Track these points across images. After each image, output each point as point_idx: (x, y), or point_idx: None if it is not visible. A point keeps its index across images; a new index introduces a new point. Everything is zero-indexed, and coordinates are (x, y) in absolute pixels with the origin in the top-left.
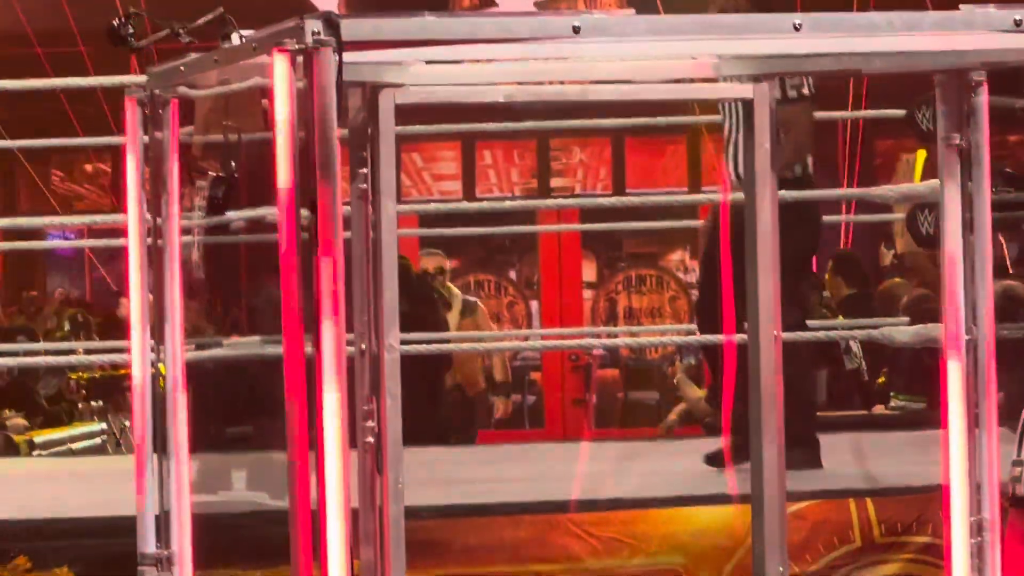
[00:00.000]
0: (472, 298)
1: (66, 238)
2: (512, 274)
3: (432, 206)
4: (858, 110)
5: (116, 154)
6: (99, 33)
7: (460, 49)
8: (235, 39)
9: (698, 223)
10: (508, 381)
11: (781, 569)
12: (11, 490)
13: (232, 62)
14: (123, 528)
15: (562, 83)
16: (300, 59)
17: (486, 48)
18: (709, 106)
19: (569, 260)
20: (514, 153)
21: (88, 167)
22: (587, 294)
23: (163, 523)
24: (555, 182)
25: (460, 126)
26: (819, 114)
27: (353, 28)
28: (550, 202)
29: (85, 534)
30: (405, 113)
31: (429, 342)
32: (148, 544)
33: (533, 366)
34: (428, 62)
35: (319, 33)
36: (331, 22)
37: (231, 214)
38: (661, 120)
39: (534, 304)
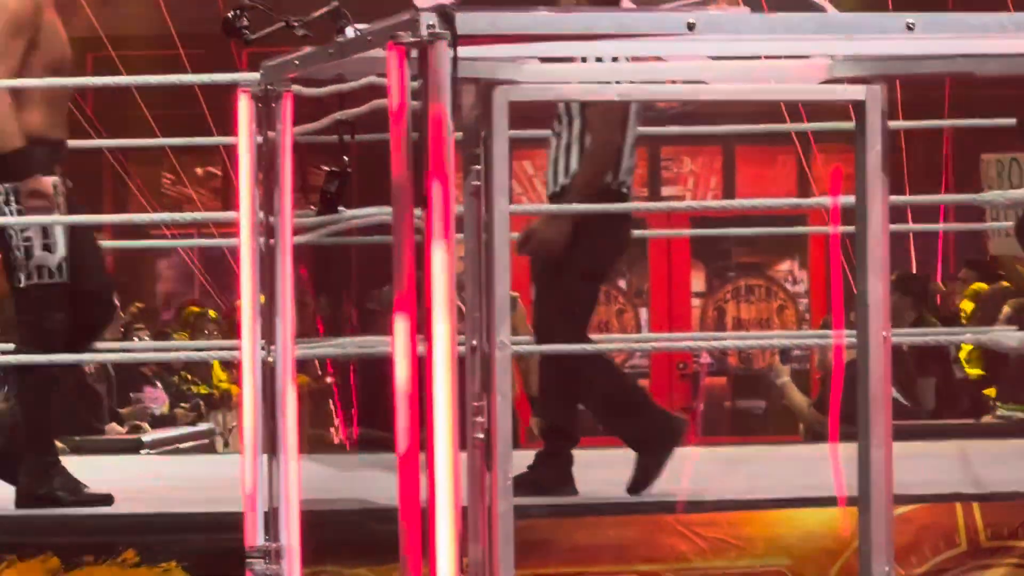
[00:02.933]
0: (513, 293)
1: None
2: (621, 283)
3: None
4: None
5: (225, 157)
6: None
7: (574, 46)
8: (349, 33)
9: (807, 231)
10: None
11: (887, 570)
12: (121, 485)
13: (346, 56)
14: (231, 524)
15: (674, 82)
16: (414, 53)
17: (600, 45)
18: (820, 114)
19: (678, 269)
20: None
21: (199, 170)
22: (696, 303)
23: (271, 519)
24: (665, 191)
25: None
26: (926, 123)
27: (468, 22)
28: (660, 204)
29: (193, 529)
30: (516, 118)
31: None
32: (257, 537)
33: (641, 374)
34: (542, 59)
35: (434, 26)
36: (446, 15)
37: (345, 212)
38: (773, 127)
39: (643, 313)
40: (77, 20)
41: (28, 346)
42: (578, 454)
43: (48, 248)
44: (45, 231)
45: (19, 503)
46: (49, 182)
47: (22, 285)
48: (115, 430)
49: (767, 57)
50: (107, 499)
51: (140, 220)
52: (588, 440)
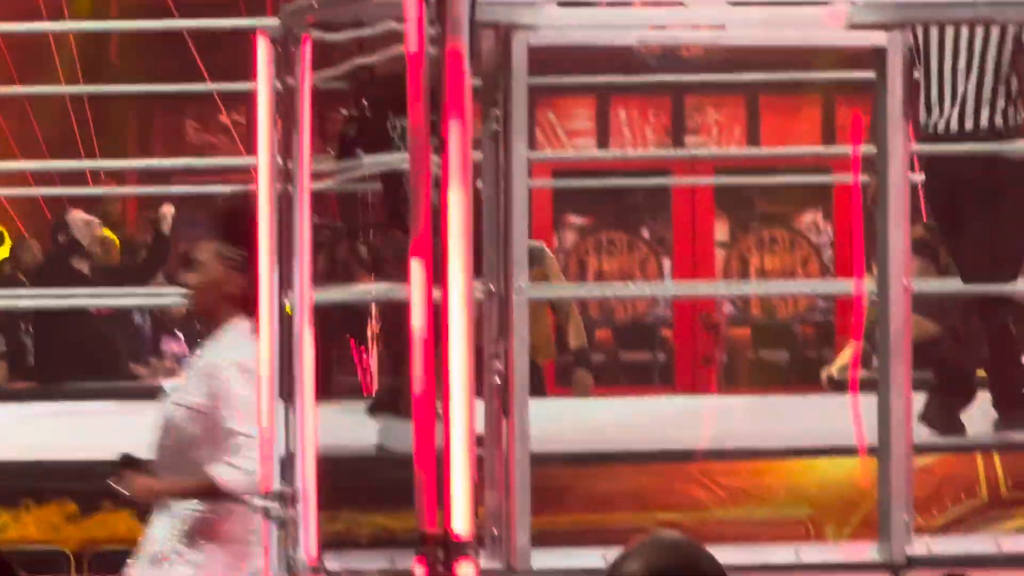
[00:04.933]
0: (538, 243)
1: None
2: (644, 232)
3: (564, 152)
4: None
5: (250, 104)
6: None
7: None
8: None
9: (831, 180)
10: (585, 347)
11: (907, 520)
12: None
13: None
14: None
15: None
16: None
17: None
18: (842, 63)
19: (702, 219)
20: (648, 111)
21: (223, 117)
22: (719, 254)
23: (288, 465)
24: (689, 140)
25: (594, 79)
26: None
27: None
28: (682, 152)
29: None
30: (540, 65)
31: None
32: (273, 482)
33: (664, 323)
34: (561, 3)
35: None
36: None
37: (364, 158)
38: (796, 76)
39: (666, 262)
40: None
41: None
42: (597, 403)
43: None
44: None
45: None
46: None
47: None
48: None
49: (788, 3)
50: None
51: (162, 166)
52: (605, 389)
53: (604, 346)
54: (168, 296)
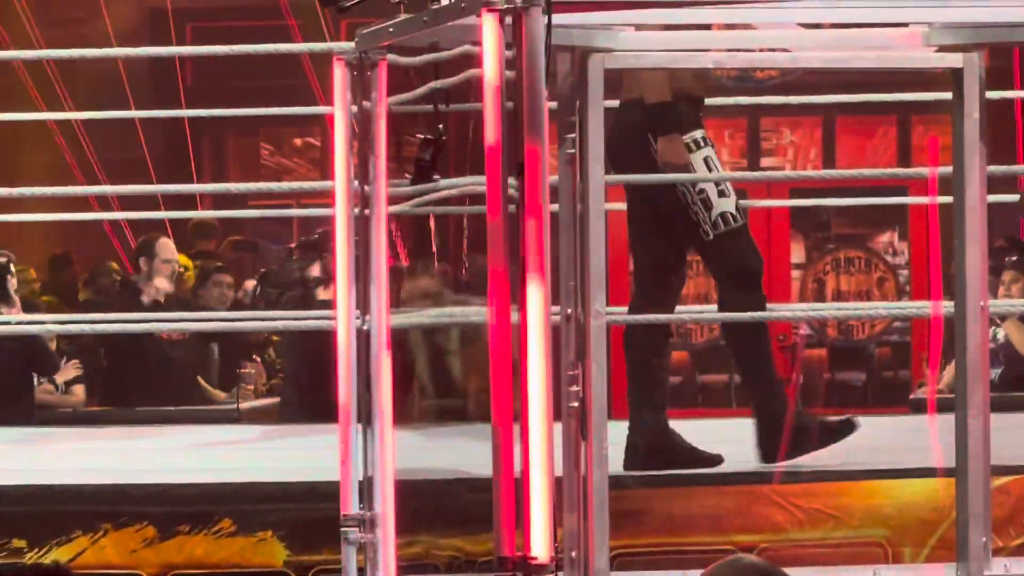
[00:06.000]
0: None
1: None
2: None
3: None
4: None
5: (325, 128)
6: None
7: (669, 13)
8: (444, 0)
9: (907, 201)
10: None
11: (984, 541)
12: (216, 455)
13: (440, 23)
14: (326, 493)
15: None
16: (509, 20)
17: (694, 12)
18: (920, 83)
19: (777, 240)
20: (724, 132)
21: (297, 141)
22: (795, 275)
23: (367, 489)
24: (765, 162)
25: None
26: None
27: None
28: (757, 174)
29: (288, 498)
30: (614, 87)
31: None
32: (352, 506)
33: None
34: (637, 27)
35: None
36: None
37: (442, 182)
38: (872, 97)
39: None
40: None
41: (735, 296)
42: (674, 425)
43: (723, 194)
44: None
45: (630, 463)
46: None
47: (710, 238)
48: (217, 399)
49: (864, 25)
50: (717, 459)
51: (238, 190)
52: (682, 411)
53: (681, 368)
54: (244, 321)
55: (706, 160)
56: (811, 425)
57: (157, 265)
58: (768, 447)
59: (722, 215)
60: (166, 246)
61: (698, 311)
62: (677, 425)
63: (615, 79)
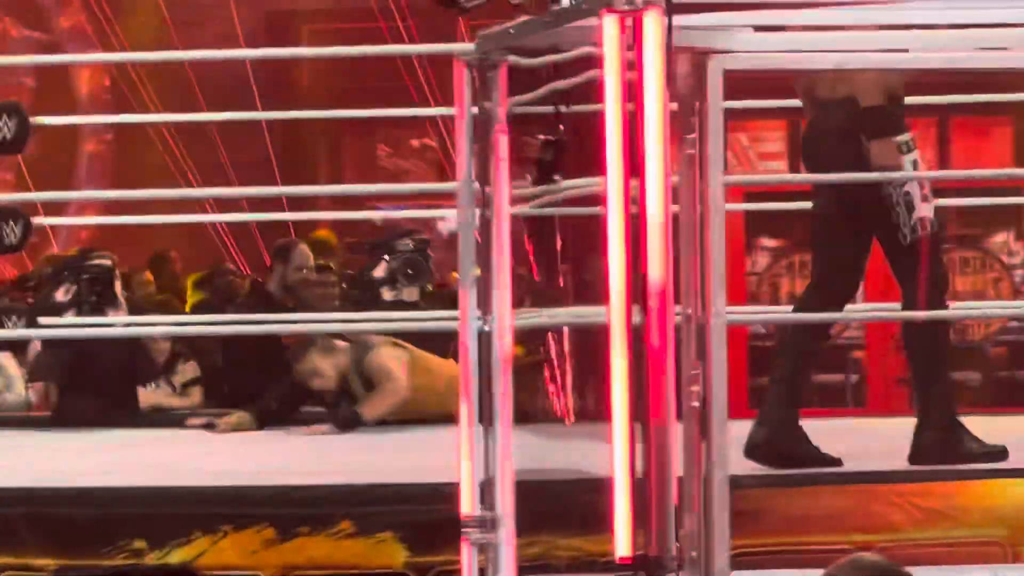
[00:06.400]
0: None
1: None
2: None
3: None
4: None
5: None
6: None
7: (787, 14)
8: (564, 1)
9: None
10: None
11: None
12: (337, 457)
13: (561, 25)
14: (446, 494)
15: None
16: (629, 22)
17: (813, 13)
18: None
19: None
20: None
21: (414, 142)
22: None
23: (486, 490)
24: None
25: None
26: None
27: None
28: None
29: (408, 500)
30: (731, 87)
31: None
32: (473, 507)
33: (857, 345)
34: (756, 28)
35: None
36: None
37: (562, 183)
38: (988, 97)
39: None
40: None
41: (920, 301)
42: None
43: (926, 199)
44: (920, 182)
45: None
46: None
47: (907, 242)
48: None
49: (983, 26)
50: (836, 461)
51: (356, 191)
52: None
53: None
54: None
55: (914, 163)
56: (964, 439)
57: (290, 271)
58: (923, 451)
59: (921, 220)
60: (302, 253)
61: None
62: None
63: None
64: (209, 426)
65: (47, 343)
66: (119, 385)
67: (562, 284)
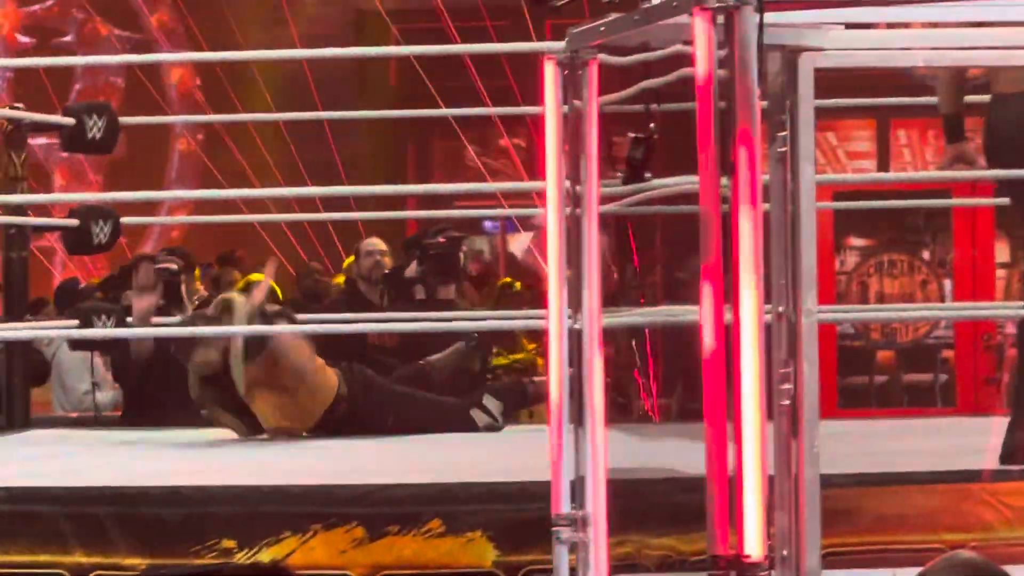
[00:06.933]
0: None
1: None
2: (925, 253)
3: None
4: None
5: (529, 129)
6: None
7: (880, 11)
8: None
9: None
10: None
11: None
12: (426, 455)
13: (651, 22)
14: (536, 493)
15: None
16: (720, 19)
17: (905, 10)
18: None
19: (983, 240)
20: (929, 133)
21: (503, 142)
22: (1000, 274)
23: (577, 489)
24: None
25: (876, 100)
26: None
27: None
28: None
29: (498, 499)
30: (819, 86)
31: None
32: (563, 505)
33: (946, 344)
34: (847, 25)
35: None
36: None
37: (653, 182)
38: None
39: (947, 283)
40: None
41: None
42: (881, 424)
43: None
44: None
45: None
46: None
47: None
48: None
49: None
50: None
51: (445, 191)
52: (887, 410)
53: (886, 367)
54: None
55: None
56: None
57: (361, 262)
58: (1016, 450)
59: None
60: (369, 242)
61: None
62: (883, 425)
63: None
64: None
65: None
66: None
67: (652, 283)
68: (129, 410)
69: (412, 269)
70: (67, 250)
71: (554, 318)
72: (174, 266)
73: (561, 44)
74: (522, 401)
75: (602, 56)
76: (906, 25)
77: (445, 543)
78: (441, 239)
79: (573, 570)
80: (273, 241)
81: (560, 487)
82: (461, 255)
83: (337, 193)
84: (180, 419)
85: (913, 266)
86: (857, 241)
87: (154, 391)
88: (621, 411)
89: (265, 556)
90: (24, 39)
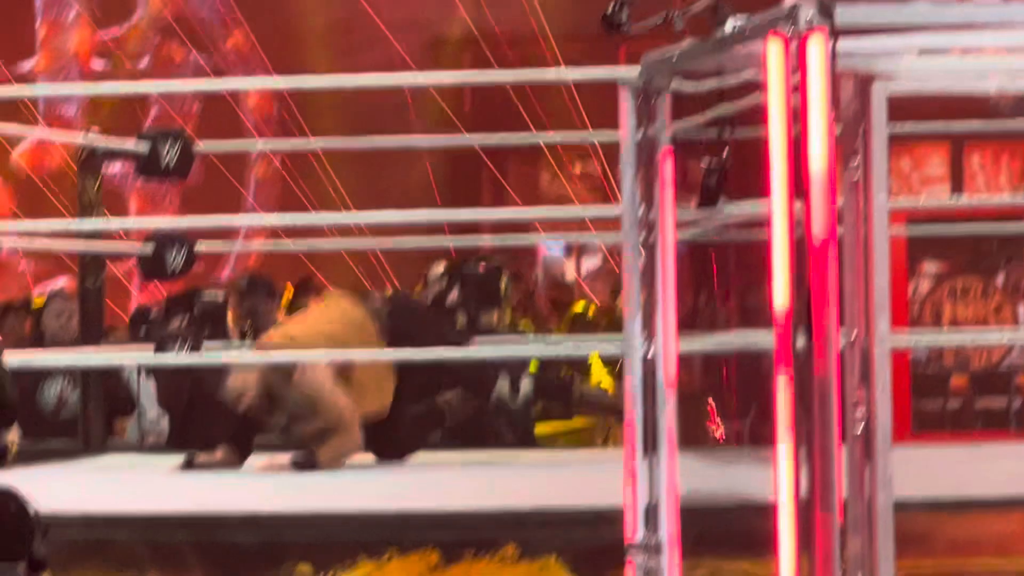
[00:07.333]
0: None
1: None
2: (999, 278)
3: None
4: None
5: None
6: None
7: (953, 37)
8: (728, 26)
9: None
10: None
11: None
12: (501, 481)
13: (725, 50)
14: (610, 518)
15: None
16: (793, 46)
17: (978, 36)
18: None
19: None
20: (1003, 157)
21: (576, 168)
22: None
23: (651, 514)
24: None
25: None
26: None
27: (848, 14)
28: None
29: (573, 524)
30: (892, 112)
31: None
32: (638, 532)
33: (1020, 369)
34: (921, 52)
35: (813, 19)
36: (825, 8)
37: (725, 207)
38: None
39: (1021, 309)
40: (454, 20)
41: None
42: (955, 450)
43: None
44: None
45: None
46: None
47: None
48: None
49: None
50: None
51: (519, 216)
52: (960, 435)
53: (959, 392)
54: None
55: None
56: None
57: (430, 288)
58: None
59: None
60: (432, 270)
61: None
62: (956, 450)
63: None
64: (189, 464)
65: (164, 372)
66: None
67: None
68: (174, 436)
69: (454, 296)
70: (142, 276)
71: (630, 343)
72: (219, 297)
73: (635, 71)
74: (565, 396)
75: (676, 83)
76: (979, 51)
77: (520, 568)
78: (481, 268)
79: None
80: (348, 266)
81: (634, 512)
82: (502, 283)
83: (412, 220)
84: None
85: (987, 291)
86: (930, 266)
87: (199, 417)
88: (694, 436)
89: None
90: (99, 64)
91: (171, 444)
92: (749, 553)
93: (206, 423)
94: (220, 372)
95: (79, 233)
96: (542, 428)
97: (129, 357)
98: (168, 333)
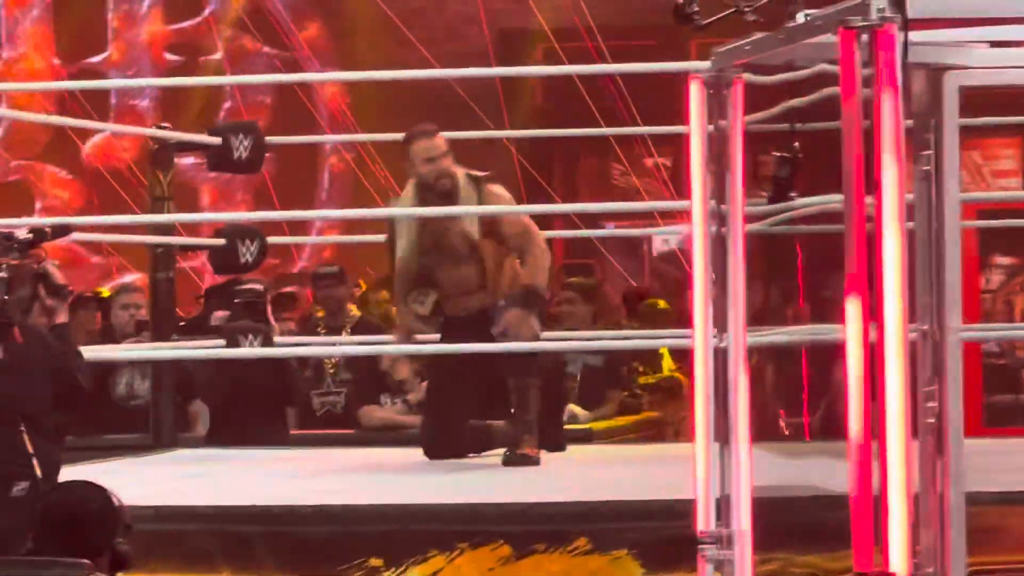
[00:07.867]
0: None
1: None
2: None
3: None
4: None
5: (675, 147)
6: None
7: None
8: (799, 18)
9: None
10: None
11: None
12: (575, 473)
13: (795, 41)
14: (681, 511)
15: None
16: (864, 38)
17: None
18: None
19: None
20: None
21: (648, 161)
22: None
23: (722, 506)
24: None
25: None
26: None
27: (919, 6)
28: None
29: (644, 516)
30: (964, 105)
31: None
32: (709, 523)
33: None
34: (992, 43)
35: (884, 10)
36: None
37: (797, 200)
38: None
39: None
40: (522, 13)
41: None
42: (1009, 443)
43: None
44: None
45: None
46: None
47: None
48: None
49: None
50: None
51: (590, 210)
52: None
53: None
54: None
55: None
56: None
57: None
58: None
59: None
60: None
61: None
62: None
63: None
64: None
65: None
66: (270, 406)
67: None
68: (214, 429)
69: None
70: (214, 269)
71: (699, 336)
72: (260, 287)
73: (706, 64)
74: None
75: (747, 75)
76: None
77: (592, 561)
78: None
79: None
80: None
81: (706, 505)
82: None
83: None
84: (265, 439)
85: None
86: (1002, 259)
87: (241, 411)
88: (766, 429)
89: (412, 574)
90: (172, 57)
91: (210, 437)
92: (820, 546)
93: (244, 415)
94: (260, 364)
95: (150, 226)
96: (614, 421)
97: (201, 352)
98: (236, 327)
